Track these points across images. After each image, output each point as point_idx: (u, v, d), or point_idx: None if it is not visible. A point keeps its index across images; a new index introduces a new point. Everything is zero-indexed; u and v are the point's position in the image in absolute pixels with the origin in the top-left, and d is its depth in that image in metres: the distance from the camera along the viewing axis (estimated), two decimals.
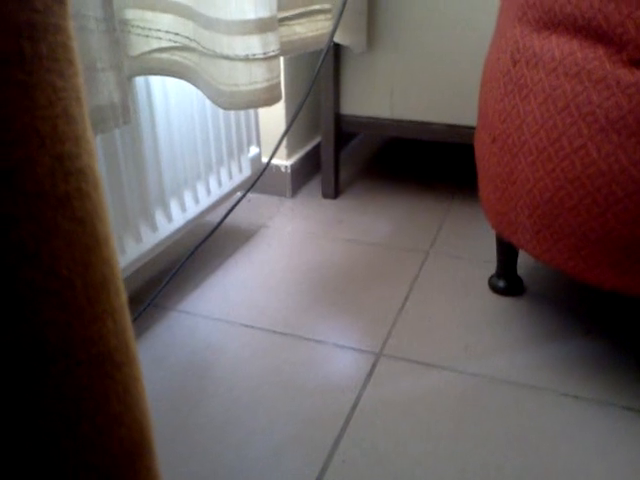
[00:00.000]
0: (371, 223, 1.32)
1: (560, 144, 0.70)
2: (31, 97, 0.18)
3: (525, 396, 0.83)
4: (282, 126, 1.41)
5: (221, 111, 1.12)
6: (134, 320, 1.01)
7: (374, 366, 0.90)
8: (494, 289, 1.05)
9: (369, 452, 0.75)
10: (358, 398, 0.84)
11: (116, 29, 0.66)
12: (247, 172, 1.24)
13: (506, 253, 1.02)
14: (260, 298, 1.06)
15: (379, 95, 1.33)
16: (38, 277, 0.18)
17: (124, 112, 0.74)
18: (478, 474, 0.72)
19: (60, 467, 0.20)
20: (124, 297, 0.23)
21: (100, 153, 0.85)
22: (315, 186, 1.51)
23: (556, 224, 0.74)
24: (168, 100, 0.97)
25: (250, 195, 1.46)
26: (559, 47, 0.67)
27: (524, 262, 1.15)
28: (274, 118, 1.40)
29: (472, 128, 1.28)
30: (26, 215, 0.18)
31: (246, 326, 0.99)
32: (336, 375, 0.88)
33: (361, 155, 1.73)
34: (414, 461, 0.74)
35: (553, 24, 0.68)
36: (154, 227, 0.99)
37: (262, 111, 1.40)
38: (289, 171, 1.43)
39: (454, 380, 0.87)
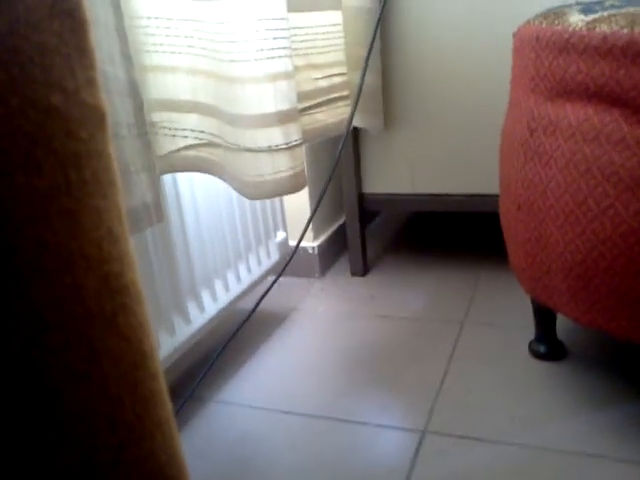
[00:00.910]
0: (402, 297, 1.32)
1: (587, 206, 0.71)
2: (77, 222, 0.19)
3: (580, 465, 0.80)
4: (307, 209, 1.43)
5: (247, 200, 1.15)
6: (175, 415, 1.00)
7: (420, 444, 0.87)
8: (535, 354, 1.03)
9: None
10: (408, 479, 0.81)
11: (147, 132, 0.69)
12: (275, 257, 1.26)
13: (544, 317, 1.00)
14: (296, 383, 1.05)
15: (399, 172, 1.36)
16: (89, 398, 0.18)
17: (157, 211, 0.77)
18: None
19: None
20: (170, 408, 0.23)
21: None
22: (343, 265, 1.52)
23: (592, 285, 0.74)
24: (195, 194, 1.00)
25: (280, 279, 1.48)
26: (574, 113, 0.69)
27: (564, 324, 1.12)
28: (299, 202, 1.43)
29: (493, 196, 1.29)
30: (76, 340, 0.18)
31: (284, 412, 0.98)
32: (382, 457, 0.85)
33: (386, 231, 1.74)
34: None
35: (566, 92, 0.70)
36: (187, 319, 1.00)
37: (287, 196, 1.43)
38: (316, 252, 1.44)
39: (504, 453, 0.83)
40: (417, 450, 0.86)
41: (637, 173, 0.66)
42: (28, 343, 0.17)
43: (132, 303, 0.21)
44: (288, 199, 1.44)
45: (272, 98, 0.82)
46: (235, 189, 0.93)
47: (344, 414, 0.96)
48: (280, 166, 0.88)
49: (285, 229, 1.30)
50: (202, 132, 0.89)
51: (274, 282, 1.02)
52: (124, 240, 0.21)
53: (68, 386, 0.18)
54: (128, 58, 0.62)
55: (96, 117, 0.20)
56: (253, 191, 0.88)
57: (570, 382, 0.97)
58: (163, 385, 0.22)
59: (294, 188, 0.89)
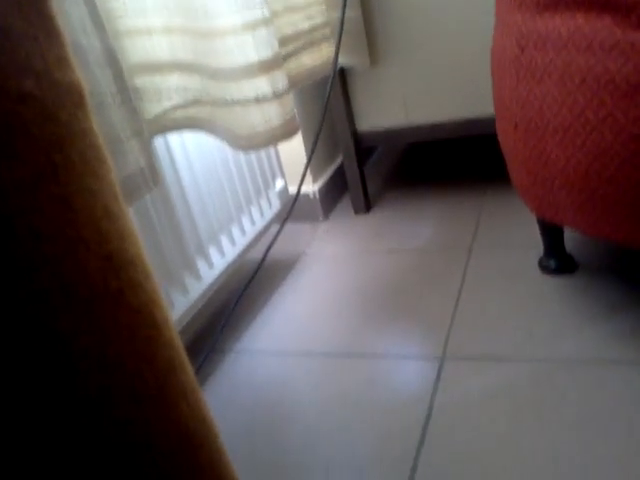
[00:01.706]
0: (408, 230, 1.32)
1: (585, 118, 0.70)
2: (71, 206, 0.19)
3: (602, 372, 0.82)
4: (303, 154, 1.42)
5: (242, 153, 1.14)
6: (197, 370, 1.02)
7: (440, 370, 0.89)
8: (546, 270, 1.04)
9: (453, 455, 0.74)
10: (431, 404, 0.83)
11: (132, 98, 0.68)
12: (277, 205, 1.26)
13: (551, 234, 1.01)
14: (313, 324, 1.07)
15: (392, 105, 1.33)
16: (106, 376, 0.19)
17: (153, 174, 0.76)
18: (569, 461, 0.70)
19: None
20: (191, 374, 0.23)
21: (134, 218, 0.87)
22: (346, 205, 1.51)
23: (597, 197, 0.73)
24: (189, 154, 0.99)
25: (284, 226, 1.48)
26: (564, 24, 0.67)
27: (571, 237, 1.13)
28: (294, 148, 1.42)
29: (489, 118, 1.27)
30: (86, 321, 0.18)
31: (305, 355, 1.00)
32: (404, 387, 0.88)
33: (384, 166, 1.73)
34: (500, 457, 0.72)
35: (553, 3, 0.67)
36: (198, 276, 1.01)
37: (281, 143, 1.42)
38: (317, 196, 1.44)
39: (526, 369, 0.85)
40: (438, 377, 0.88)
41: (634, 78, 0.64)
42: (39, 332, 0.17)
43: (138, 277, 0.21)
44: (283, 146, 1.42)
45: (253, 47, 0.80)
46: (228, 143, 0.92)
47: (362, 350, 0.97)
48: (270, 115, 0.87)
49: (283, 177, 1.29)
50: (186, 90, 0.87)
51: (280, 230, 1.02)
52: (122, 217, 0.21)
53: (85, 370, 0.18)
54: (100, 26, 0.60)
55: (73, 96, 0.20)
56: (246, 143, 0.87)
57: (583, 294, 0.98)
58: (181, 353, 0.23)
59: (287, 135, 0.88)
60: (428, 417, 0.81)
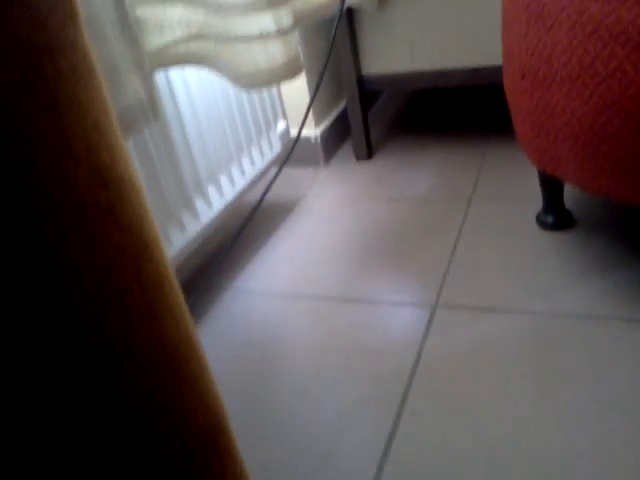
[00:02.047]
0: (409, 179, 1.31)
1: (594, 69, 0.68)
2: (60, 116, 0.19)
3: (593, 327, 0.83)
4: (306, 96, 1.40)
5: (244, 92, 1.12)
6: (193, 306, 1.04)
7: (432, 318, 0.90)
8: (544, 225, 1.04)
9: (438, 402, 0.76)
10: (420, 351, 0.85)
11: (132, 28, 0.66)
12: (277, 147, 1.25)
13: (551, 188, 1.00)
14: (309, 267, 1.08)
15: (398, 50, 1.31)
16: (95, 287, 0.19)
17: (152, 108, 0.75)
18: (552, 411, 0.72)
19: (144, 458, 0.21)
20: (179, 292, 0.23)
21: (133, 154, 0.86)
22: (347, 150, 1.50)
23: (600, 152, 0.73)
24: (190, 90, 0.98)
25: (285, 170, 1.47)
26: None
27: (571, 193, 1.13)
28: (297, 89, 1.39)
29: (496, 68, 1.25)
30: (73, 231, 0.18)
31: (301, 296, 1.01)
32: (395, 332, 0.89)
33: (388, 113, 1.71)
34: (484, 405, 0.74)
35: None
36: (196, 215, 1.01)
37: (284, 84, 1.39)
38: (319, 140, 1.42)
39: (517, 321, 0.86)
40: (429, 324, 0.89)
41: None
42: (26, 234, 0.17)
43: (128, 193, 0.21)
44: (286, 87, 1.40)
45: None
46: (230, 81, 0.91)
47: (357, 294, 0.99)
48: (274, 53, 0.85)
49: (285, 119, 1.28)
50: (189, 24, 0.85)
51: (279, 171, 1.02)
52: (112, 132, 0.21)
53: (72, 276, 0.18)
54: None
55: (65, 5, 0.19)
56: (248, 81, 0.86)
57: (580, 250, 0.98)
58: (170, 272, 0.23)
59: (290, 75, 0.86)
60: (416, 363, 0.83)
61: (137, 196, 0.21)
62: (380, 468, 0.70)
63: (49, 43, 0.18)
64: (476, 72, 1.26)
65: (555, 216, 1.02)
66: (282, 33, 0.83)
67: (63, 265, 0.18)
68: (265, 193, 1.04)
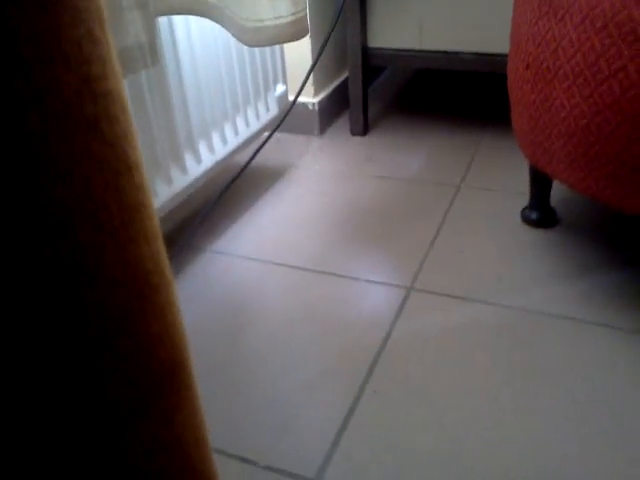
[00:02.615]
0: (401, 159, 1.31)
1: (598, 67, 0.68)
2: (54, 16, 0.18)
3: (561, 327, 0.83)
4: (308, 62, 1.38)
5: (246, 49, 1.10)
6: (170, 261, 1.03)
7: (405, 300, 0.90)
8: (527, 221, 1.04)
9: (401, 383, 0.77)
10: (390, 331, 0.85)
11: None
12: (274, 111, 1.23)
13: (540, 184, 1.00)
14: (292, 236, 1.07)
15: (407, 26, 1.29)
16: (72, 197, 0.19)
17: (152, 52, 0.73)
18: (512, 404, 0.73)
19: (103, 380, 0.21)
20: (157, 223, 0.23)
21: (127, 96, 0.84)
22: (343, 123, 1.49)
23: (592, 152, 0.72)
24: (192, 40, 0.95)
25: (278, 135, 1.45)
26: None
27: (557, 193, 1.13)
28: (300, 55, 1.37)
29: (503, 56, 1.23)
30: (57, 135, 0.18)
31: (279, 264, 1.00)
32: (368, 310, 0.89)
33: (389, 90, 1.69)
34: (446, 392, 0.75)
35: None
36: (184, 169, 1.00)
37: (288, 48, 1.37)
38: (316, 109, 1.41)
39: (487, 312, 0.87)
40: (402, 306, 0.89)
41: None
42: (7, 131, 0.17)
43: (115, 110, 0.20)
44: (289, 51, 1.38)
45: None
46: (233, 35, 0.89)
47: (335, 268, 0.98)
48: (281, 11, 0.83)
49: (285, 83, 1.26)
50: None
51: (271, 134, 1.01)
52: (105, 44, 0.20)
53: (50, 181, 0.18)
54: None
55: None
56: (252, 37, 0.84)
57: (559, 249, 0.99)
58: (149, 199, 0.22)
59: (295, 35, 0.84)
60: (384, 343, 0.83)
61: (124, 115, 0.21)
62: (335, 442, 0.70)
63: None
64: (482, 58, 1.25)
65: (540, 213, 1.02)
66: None
67: (42, 167, 0.18)
68: (254, 155, 1.02)
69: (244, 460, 0.68)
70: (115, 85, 0.21)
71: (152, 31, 0.73)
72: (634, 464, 0.65)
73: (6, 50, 0.16)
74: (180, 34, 0.93)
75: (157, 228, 0.23)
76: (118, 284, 0.20)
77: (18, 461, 0.19)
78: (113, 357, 0.21)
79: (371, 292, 0.93)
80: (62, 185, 0.18)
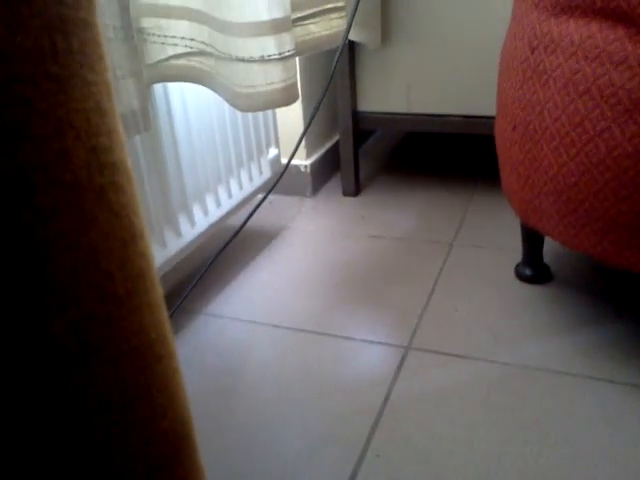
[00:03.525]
0: (393, 218, 1.32)
1: (583, 128, 0.70)
2: (65, 90, 0.18)
3: (559, 383, 0.83)
4: (300, 126, 1.41)
5: (239, 114, 1.13)
6: None
7: (403, 359, 0.90)
8: (521, 277, 1.05)
9: (403, 445, 0.75)
10: (389, 392, 0.84)
11: (134, 37, 0.66)
12: (267, 174, 1.25)
13: (532, 241, 1.01)
14: (285, 298, 1.07)
15: (395, 90, 1.33)
16: (79, 267, 0.19)
17: (144, 118, 0.75)
18: (515, 463, 0.71)
19: (109, 454, 0.20)
20: (160, 291, 0.23)
21: None
22: (335, 184, 1.51)
23: (582, 209, 0.74)
24: (186, 106, 0.98)
25: (271, 197, 1.47)
26: (577, 30, 0.67)
27: (550, 249, 1.14)
28: (292, 119, 1.41)
29: (489, 118, 1.27)
30: (65, 206, 0.18)
31: (273, 326, 1.00)
32: (366, 370, 0.88)
33: (380, 151, 1.73)
34: (449, 452, 0.73)
35: (570, 8, 0.67)
36: (178, 233, 1.00)
37: (280, 112, 1.41)
38: (309, 171, 1.43)
39: (485, 370, 0.86)
40: (400, 365, 0.89)
41: (636, 95, 0.64)
42: (17, 204, 0.17)
43: (122, 181, 0.21)
44: (281, 116, 1.41)
45: (266, 5, 0.79)
46: (227, 100, 0.91)
47: (331, 329, 0.98)
48: (273, 77, 0.86)
49: (278, 146, 1.29)
50: (192, 40, 0.86)
51: (265, 197, 1.02)
52: (113, 116, 0.21)
53: (57, 252, 0.18)
54: None
55: None
56: (245, 102, 0.86)
57: (554, 304, 0.99)
58: (153, 267, 0.22)
59: (287, 100, 0.87)
60: (384, 404, 0.82)
61: (130, 185, 0.21)
62: None
63: (64, 16, 0.18)
64: (470, 120, 1.28)
65: (533, 269, 1.03)
66: (283, 58, 0.84)
67: (50, 240, 0.18)
68: (249, 218, 1.03)
69: None
70: (121, 156, 0.21)
71: (145, 98, 0.75)
72: None
73: (18, 123, 0.17)
74: (175, 100, 0.95)
75: (161, 297, 0.23)
76: (123, 354, 0.20)
77: None
78: (117, 431, 0.20)
79: (369, 352, 0.92)
80: (69, 256, 0.18)
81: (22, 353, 0.18)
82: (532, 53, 0.76)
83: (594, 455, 0.72)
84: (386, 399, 0.83)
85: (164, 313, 0.23)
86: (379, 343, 0.94)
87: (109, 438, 0.20)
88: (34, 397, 0.18)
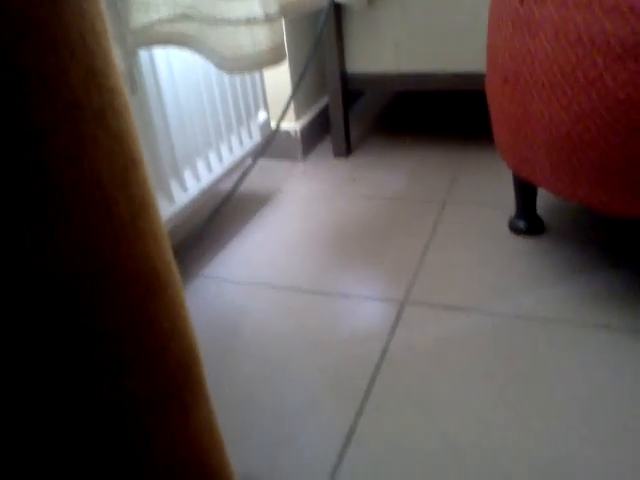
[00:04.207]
0: (385, 178, 1.32)
1: (574, 77, 0.70)
2: (61, 3, 0.18)
3: (555, 330, 0.84)
4: (288, 89, 1.40)
5: (226, 77, 1.11)
6: None
7: (400, 314, 0.91)
8: (515, 230, 1.06)
9: (401, 397, 0.77)
10: (386, 346, 0.85)
11: (116, 2, 0.65)
12: (257, 138, 1.24)
13: (525, 194, 1.02)
14: (281, 259, 1.07)
15: (384, 50, 1.31)
16: (82, 183, 0.19)
17: (131, 82, 0.74)
18: (512, 409, 0.73)
19: (121, 372, 0.21)
20: (162, 223, 0.23)
21: None
22: (326, 147, 1.50)
23: (575, 159, 0.74)
24: (172, 71, 0.97)
25: (262, 162, 1.47)
26: None
27: (543, 201, 1.15)
28: (280, 82, 1.39)
29: (479, 75, 1.26)
30: (65, 124, 0.18)
31: (270, 286, 1.00)
32: (363, 326, 0.89)
33: (370, 112, 1.72)
34: (446, 402, 0.75)
35: None
36: (171, 198, 1.00)
37: (268, 75, 1.39)
38: (299, 134, 1.42)
39: (482, 321, 0.88)
40: (397, 320, 0.90)
41: (628, 42, 0.64)
42: (19, 117, 0.17)
43: (120, 107, 0.21)
44: (269, 79, 1.40)
45: None
46: (213, 63, 0.90)
47: (327, 287, 0.99)
48: (260, 39, 0.85)
49: (267, 110, 1.28)
50: (175, 4, 0.84)
51: (255, 159, 1.02)
52: (107, 42, 0.21)
53: (60, 165, 0.18)
54: None
55: None
56: (232, 64, 0.85)
57: (548, 255, 1.00)
58: (154, 198, 0.23)
59: (274, 60, 0.86)
60: (382, 357, 0.83)
61: (128, 114, 0.21)
62: (340, 458, 0.70)
63: None
64: (460, 77, 1.28)
65: (527, 222, 1.04)
66: (269, 19, 0.83)
67: (53, 153, 0.18)
68: (240, 181, 1.03)
69: None
70: (117, 82, 0.21)
71: (131, 63, 0.74)
72: (637, 460, 0.65)
73: (15, 34, 0.17)
74: (161, 66, 0.94)
75: (162, 227, 0.23)
76: (131, 278, 0.21)
77: (40, 450, 0.19)
78: (128, 350, 0.21)
79: (365, 308, 0.93)
80: (72, 171, 0.19)
81: (31, 265, 0.18)
82: (521, 4, 0.75)
83: (591, 398, 0.74)
84: (384, 353, 0.84)
85: (167, 244, 0.23)
86: (375, 299, 0.95)
87: (120, 363, 0.20)
88: (44, 317, 0.18)
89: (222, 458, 0.27)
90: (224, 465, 0.27)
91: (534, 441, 0.69)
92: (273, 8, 0.84)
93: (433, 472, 0.67)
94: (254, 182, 1.37)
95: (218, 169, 1.12)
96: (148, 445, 0.21)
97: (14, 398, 0.18)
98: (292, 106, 1.41)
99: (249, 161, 1.32)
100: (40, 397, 0.19)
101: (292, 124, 1.42)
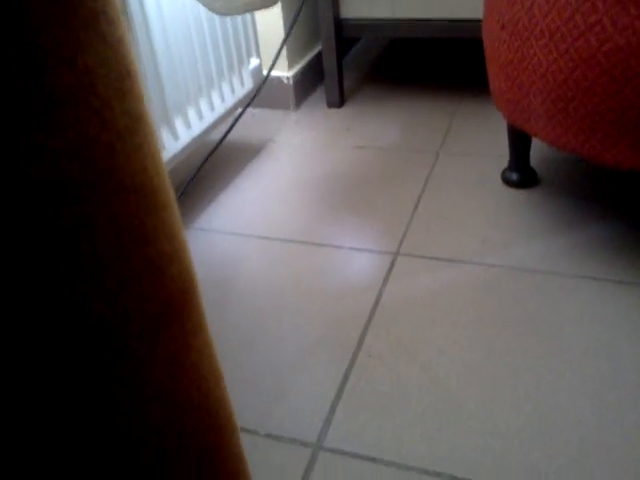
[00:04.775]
0: (379, 128, 1.31)
1: (574, 22, 0.68)
2: None
3: (545, 282, 0.85)
4: (281, 35, 1.36)
5: (218, 22, 1.08)
6: None
7: (392, 265, 0.91)
8: (507, 182, 1.05)
9: (394, 345, 0.77)
10: (379, 296, 0.85)
11: None
12: (249, 85, 1.22)
13: (518, 145, 1.01)
14: (273, 210, 1.07)
15: None
16: (77, 87, 0.18)
17: None
18: (502, 359, 0.74)
19: (117, 298, 0.20)
20: (157, 140, 0.23)
21: None
22: (319, 96, 1.48)
23: (571, 107, 0.73)
24: (163, 16, 0.94)
25: (254, 110, 1.44)
26: None
27: (537, 154, 1.14)
28: (272, 27, 1.36)
29: (476, 21, 1.23)
30: (57, 21, 0.18)
31: (262, 238, 1.00)
32: (355, 277, 0.90)
33: (364, 61, 1.68)
34: (438, 350, 0.76)
35: None
36: (162, 146, 0.98)
37: (260, 21, 1.36)
38: (291, 82, 1.39)
39: (473, 272, 0.88)
40: (389, 270, 0.90)
41: None
42: (11, 15, 0.17)
43: (113, 13, 0.20)
44: (261, 25, 1.36)
45: None
46: (204, 4, 0.87)
47: (320, 238, 0.98)
48: None
49: (259, 56, 1.25)
50: None
51: (246, 107, 1.00)
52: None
53: (53, 63, 0.18)
54: None
55: None
56: (223, 5, 0.83)
57: (540, 208, 1.00)
58: (149, 116, 0.22)
59: (266, 3, 0.83)
60: (375, 307, 0.84)
61: (120, 21, 0.21)
62: (333, 407, 0.71)
63: None
64: (457, 24, 1.25)
65: (520, 174, 1.04)
66: None
67: (46, 50, 0.18)
68: (232, 126, 1.02)
69: (244, 430, 0.69)
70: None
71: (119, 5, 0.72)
72: (626, 410, 0.67)
73: None
74: (150, 8, 0.91)
75: (157, 145, 0.22)
76: (129, 191, 0.20)
77: (49, 383, 0.19)
78: (129, 269, 0.20)
79: (358, 259, 0.93)
80: (66, 71, 0.18)
81: (27, 175, 0.17)
82: None
83: (580, 347, 0.75)
84: (376, 303, 0.84)
85: (162, 162, 0.23)
86: (368, 250, 0.95)
87: (121, 281, 0.20)
88: (38, 230, 0.18)
89: (221, 388, 0.28)
90: (223, 395, 0.28)
91: (525, 389, 0.70)
92: None
93: (425, 418, 0.68)
94: (247, 132, 1.35)
95: (210, 117, 1.10)
96: (147, 369, 0.21)
97: (7, 327, 0.18)
98: (284, 53, 1.38)
99: (242, 110, 1.29)
100: (35, 317, 0.18)
101: (285, 72, 1.39)
